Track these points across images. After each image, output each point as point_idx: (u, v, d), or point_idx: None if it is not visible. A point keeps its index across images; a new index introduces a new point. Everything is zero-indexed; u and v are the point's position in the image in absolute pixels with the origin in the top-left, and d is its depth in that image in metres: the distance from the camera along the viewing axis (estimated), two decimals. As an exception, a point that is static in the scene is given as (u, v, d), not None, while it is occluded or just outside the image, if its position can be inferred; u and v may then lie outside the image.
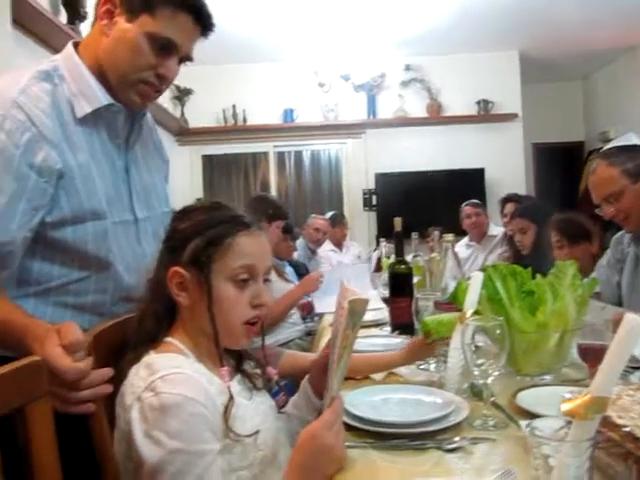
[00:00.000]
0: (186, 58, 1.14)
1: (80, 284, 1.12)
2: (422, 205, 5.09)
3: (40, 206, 1.03)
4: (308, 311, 2.95)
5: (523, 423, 0.93)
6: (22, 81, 1.04)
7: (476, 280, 1.21)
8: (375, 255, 3.30)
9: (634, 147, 1.72)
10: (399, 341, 1.61)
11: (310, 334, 2.88)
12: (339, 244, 4.86)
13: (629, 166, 1.67)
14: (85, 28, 3.02)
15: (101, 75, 1.11)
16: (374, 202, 5.50)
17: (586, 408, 0.66)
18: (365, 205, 5.54)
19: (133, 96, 1.13)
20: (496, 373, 1.00)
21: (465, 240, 4.05)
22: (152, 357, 0.94)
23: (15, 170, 1.00)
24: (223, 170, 5.81)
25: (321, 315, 2.56)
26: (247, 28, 4.49)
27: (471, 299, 1.20)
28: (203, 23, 1.10)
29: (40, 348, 0.85)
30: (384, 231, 5.01)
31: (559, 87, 6.55)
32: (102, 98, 1.10)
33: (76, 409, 0.86)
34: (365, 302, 0.91)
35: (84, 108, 1.10)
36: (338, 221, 4.79)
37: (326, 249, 4.66)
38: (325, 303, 2.59)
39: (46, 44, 2.88)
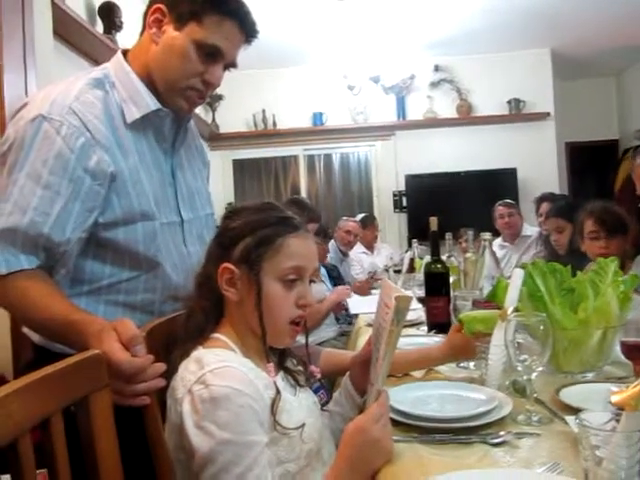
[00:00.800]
0: (231, 64, 1.18)
1: (130, 283, 1.16)
2: (453, 206, 5.04)
3: (94, 208, 1.08)
4: (340, 309, 3.00)
5: (569, 418, 0.94)
6: (76, 88, 1.09)
7: (516, 277, 1.22)
8: (407, 256, 3.30)
9: None
10: (437, 340, 1.61)
11: (343, 335, 2.90)
12: (370, 246, 4.86)
13: None
14: (121, 38, 3.12)
15: (149, 81, 1.16)
16: (404, 204, 5.49)
17: (637, 399, 0.67)
18: (395, 207, 5.54)
19: (180, 102, 1.17)
20: (540, 369, 1.01)
21: (498, 240, 4.01)
22: (201, 352, 0.97)
23: (71, 174, 1.05)
24: (254, 174, 5.88)
25: (355, 316, 2.59)
26: (276, 33, 4.54)
27: (512, 296, 1.20)
28: (248, 30, 1.14)
29: (98, 343, 0.89)
30: (415, 233, 5.00)
31: (592, 84, 6.43)
32: (151, 104, 1.15)
33: (133, 402, 0.89)
34: (410, 299, 0.94)
35: (134, 114, 1.14)
36: (369, 223, 4.80)
37: (357, 251, 4.67)
38: (359, 304, 2.63)
39: (83, 53, 2.99)
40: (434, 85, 5.45)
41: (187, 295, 1.22)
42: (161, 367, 0.92)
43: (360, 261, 4.63)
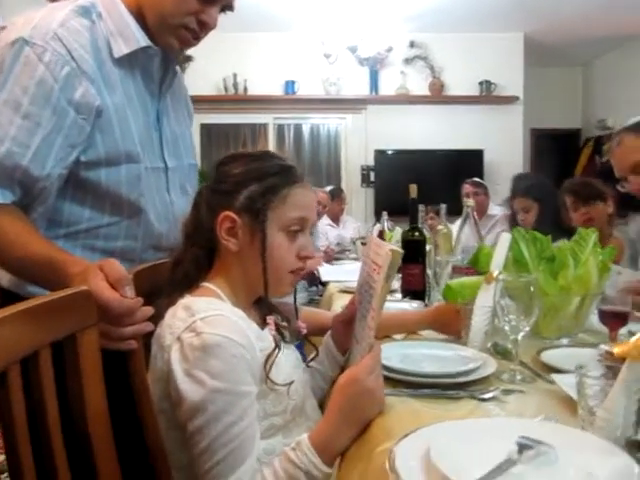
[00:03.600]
0: (227, 7, 1.12)
1: (110, 229, 1.11)
2: (420, 184, 4.99)
3: (77, 143, 1.02)
4: (308, 278, 3.00)
5: (555, 376, 0.95)
6: (61, 14, 1.02)
7: (504, 241, 1.23)
8: (376, 228, 3.31)
9: None
10: (415, 305, 1.63)
11: (312, 301, 2.90)
12: (336, 219, 4.85)
13: None
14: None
15: (139, 16, 1.09)
16: (372, 179, 5.49)
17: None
18: (363, 182, 5.54)
19: (172, 40, 1.11)
20: (527, 329, 1.02)
21: (464, 218, 4.07)
22: (189, 300, 0.94)
23: (54, 104, 0.98)
24: (221, 140, 5.75)
25: (326, 283, 2.59)
26: (253, -5, 4.41)
27: (498, 260, 1.21)
28: None
29: (83, 283, 0.84)
30: (381, 208, 5.00)
31: (560, 73, 6.55)
32: (141, 40, 1.09)
33: (119, 345, 0.86)
34: (401, 254, 0.94)
35: (122, 48, 1.08)
36: (336, 195, 4.78)
37: (323, 223, 4.65)
38: (329, 272, 2.63)
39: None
40: (408, 61, 5.43)
41: (171, 245, 1.18)
42: (149, 310, 0.88)
43: (325, 233, 4.61)
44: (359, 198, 5.60)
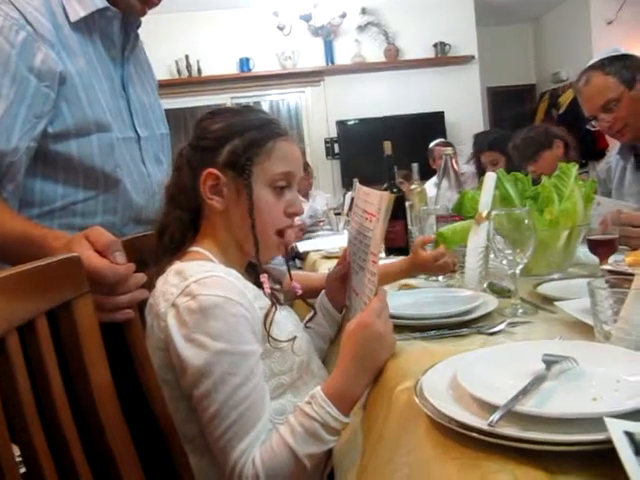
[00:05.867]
0: None
1: (87, 204, 1.06)
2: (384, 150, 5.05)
3: (42, 113, 0.96)
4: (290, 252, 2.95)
5: (558, 304, 0.95)
6: None
7: (490, 181, 1.22)
8: (348, 196, 3.30)
9: (624, 56, 1.74)
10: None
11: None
12: (305, 193, 4.80)
13: (624, 73, 1.69)
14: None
15: None
16: (336, 150, 5.45)
17: (652, 257, 0.67)
18: (328, 154, 5.49)
19: (133, 0, 1.05)
20: (525, 261, 1.01)
21: (434, 179, 4.08)
22: (179, 265, 0.91)
23: (13, 73, 0.92)
24: (180, 125, 5.59)
25: (303, 257, 2.57)
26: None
27: (485, 200, 1.20)
28: None
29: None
30: (348, 178, 4.99)
31: (511, 30, 6.59)
32: (97, 1, 1.02)
33: (115, 316, 0.81)
34: (393, 197, 0.93)
35: (78, 12, 1.01)
36: (303, 170, 4.72)
37: (294, 199, 4.60)
38: (305, 244, 2.61)
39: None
40: (361, 29, 5.37)
41: (150, 217, 1.14)
42: (142, 277, 0.84)
43: (297, 209, 4.56)
44: (325, 170, 5.57)
